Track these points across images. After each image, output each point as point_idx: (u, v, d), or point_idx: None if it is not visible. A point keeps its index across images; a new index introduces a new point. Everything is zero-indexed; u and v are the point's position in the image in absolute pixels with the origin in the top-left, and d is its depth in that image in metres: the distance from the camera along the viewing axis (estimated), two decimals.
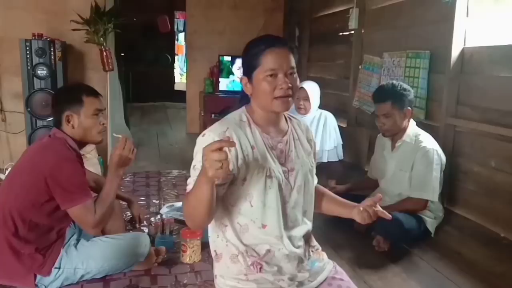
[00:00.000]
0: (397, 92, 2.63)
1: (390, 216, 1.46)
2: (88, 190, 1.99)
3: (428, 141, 2.63)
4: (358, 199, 1.80)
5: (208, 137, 1.33)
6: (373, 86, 3.81)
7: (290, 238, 1.42)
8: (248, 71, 1.40)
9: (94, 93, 2.07)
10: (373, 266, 2.39)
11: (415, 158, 2.60)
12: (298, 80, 1.41)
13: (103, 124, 2.09)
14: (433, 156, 2.56)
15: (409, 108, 2.63)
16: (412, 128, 2.69)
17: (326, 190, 1.66)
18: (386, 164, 2.79)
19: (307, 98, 3.48)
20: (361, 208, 1.42)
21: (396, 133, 2.69)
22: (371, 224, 2.44)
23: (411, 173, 2.62)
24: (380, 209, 1.42)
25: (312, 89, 3.52)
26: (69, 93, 2.12)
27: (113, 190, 2.04)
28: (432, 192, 2.57)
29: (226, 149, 1.08)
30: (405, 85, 2.69)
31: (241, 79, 1.45)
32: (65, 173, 1.90)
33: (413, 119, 2.76)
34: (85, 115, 2.01)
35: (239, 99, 1.49)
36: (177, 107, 8.33)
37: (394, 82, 2.75)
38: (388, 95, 2.65)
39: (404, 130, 2.67)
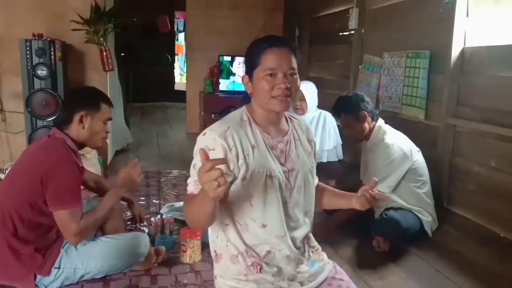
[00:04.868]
0: (344, 103, 2.78)
1: (387, 196, 1.47)
2: (79, 196, 1.97)
3: (391, 137, 2.67)
4: None
5: (209, 136, 1.33)
6: (373, 86, 3.82)
7: (292, 238, 1.42)
8: (249, 69, 1.40)
9: (110, 103, 2.14)
10: (373, 266, 2.39)
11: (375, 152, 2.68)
12: (298, 81, 1.41)
13: (108, 132, 2.16)
14: (389, 150, 2.59)
15: (363, 111, 2.69)
16: (378, 127, 2.74)
17: (326, 185, 1.65)
18: (363, 165, 2.88)
19: (302, 98, 3.47)
20: (359, 195, 1.42)
21: (364, 137, 2.77)
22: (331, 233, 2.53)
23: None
24: (377, 191, 1.41)
25: (306, 88, 3.51)
26: (88, 94, 2.17)
27: (108, 205, 2.06)
28: (385, 184, 2.54)
29: (221, 166, 1.08)
30: (352, 93, 2.86)
31: (242, 78, 1.45)
32: (60, 174, 1.90)
33: (413, 118, 2.77)
34: (97, 120, 2.07)
35: (242, 98, 1.49)
36: (177, 107, 8.33)
37: (343, 94, 2.90)
38: (337, 109, 2.82)
39: (370, 131, 2.74)
